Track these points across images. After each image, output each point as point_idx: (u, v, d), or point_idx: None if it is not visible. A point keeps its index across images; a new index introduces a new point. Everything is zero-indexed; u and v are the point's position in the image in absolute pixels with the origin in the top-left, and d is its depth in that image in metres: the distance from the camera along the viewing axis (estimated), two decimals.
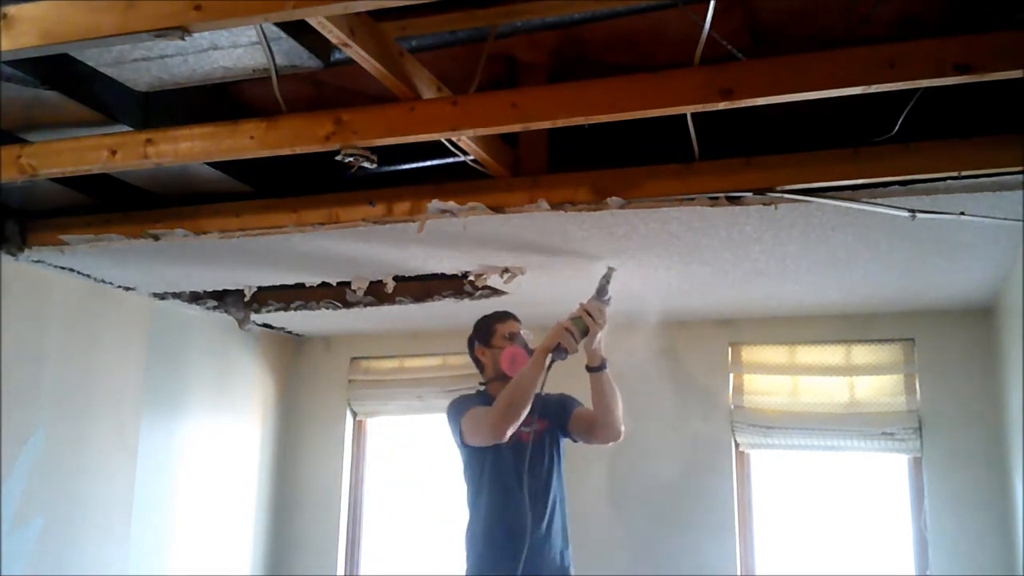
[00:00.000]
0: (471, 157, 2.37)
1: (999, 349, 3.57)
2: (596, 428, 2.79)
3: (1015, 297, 3.06)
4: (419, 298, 3.61)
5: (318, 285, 3.62)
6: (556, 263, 3.09)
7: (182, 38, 1.69)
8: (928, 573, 3.72)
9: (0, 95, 2.18)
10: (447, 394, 4.36)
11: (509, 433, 2.61)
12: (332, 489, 4.76)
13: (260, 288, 3.74)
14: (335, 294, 3.75)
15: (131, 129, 2.35)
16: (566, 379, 2.76)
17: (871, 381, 3.94)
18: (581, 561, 2.91)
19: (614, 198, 2.39)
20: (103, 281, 3.59)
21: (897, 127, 2.10)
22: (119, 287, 3.69)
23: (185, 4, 1.64)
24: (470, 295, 3.51)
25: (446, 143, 2.28)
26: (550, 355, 2.59)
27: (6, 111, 2.30)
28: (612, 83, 1.98)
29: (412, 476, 4.83)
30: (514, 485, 2.76)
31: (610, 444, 2.82)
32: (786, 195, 2.30)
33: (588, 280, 2.76)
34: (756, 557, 4.04)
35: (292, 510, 4.82)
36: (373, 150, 2.33)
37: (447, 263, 3.18)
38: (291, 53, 2.05)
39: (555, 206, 2.46)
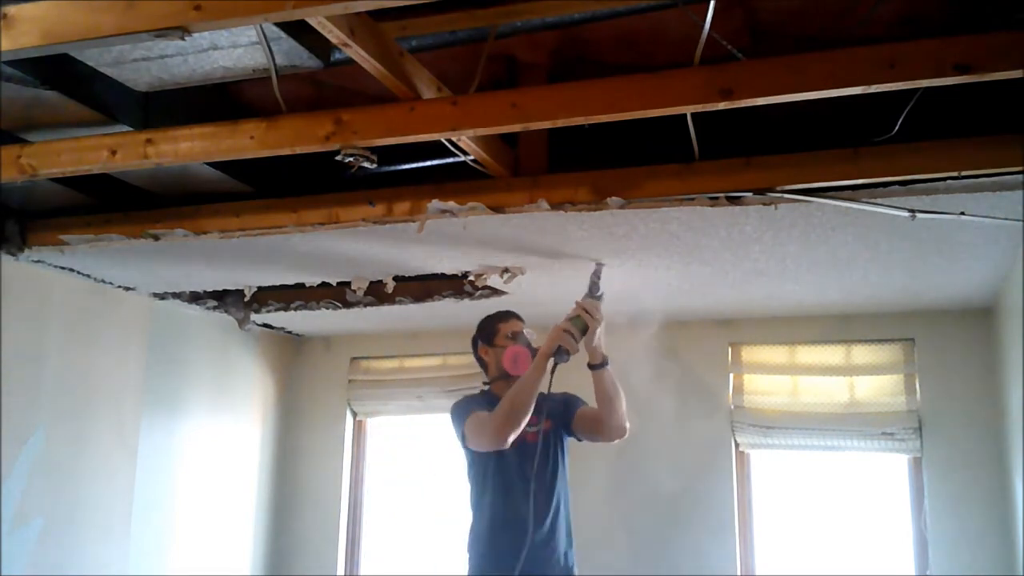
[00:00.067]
0: (471, 157, 2.37)
1: (999, 349, 3.57)
2: (601, 426, 2.78)
3: (1015, 297, 3.06)
4: (419, 298, 3.61)
5: (318, 285, 3.62)
6: (556, 263, 3.09)
7: (182, 38, 1.69)
8: (928, 573, 3.72)
9: (0, 95, 2.18)
10: (447, 394, 4.37)
11: (511, 439, 2.59)
12: (332, 489, 4.75)
13: (260, 288, 3.74)
14: (335, 294, 3.75)
15: (131, 129, 2.35)
16: (568, 379, 2.76)
17: (871, 381, 3.94)
18: (581, 560, 2.91)
19: (614, 198, 2.39)
20: (103, 281, 3.59)
21: (897, 127, 2.10)
22: (119, 287, 3.69)
23: (185, 4, 1.64)
24: (470, 295, 3.51)
25: (446, 143, 2.28)
26: (552, 359, 2.58)
27: (6, 111, 2.30)
28: (612, 83, 1.98)
29: (412, 476, 4.83)
30: (519, 486, 2.75)
31: (615, 442, 2.82)
32: (786, 195, 2.30)
33: (586, 280, 2.76)
34: (756, 557, 4.04)
35: (292, 510, 4.82)
36: (373, 150, 2.33)
37: (447, 263, 3.18)
38: (291, 53, 2.05)
39: (555, 206, 2.46)
